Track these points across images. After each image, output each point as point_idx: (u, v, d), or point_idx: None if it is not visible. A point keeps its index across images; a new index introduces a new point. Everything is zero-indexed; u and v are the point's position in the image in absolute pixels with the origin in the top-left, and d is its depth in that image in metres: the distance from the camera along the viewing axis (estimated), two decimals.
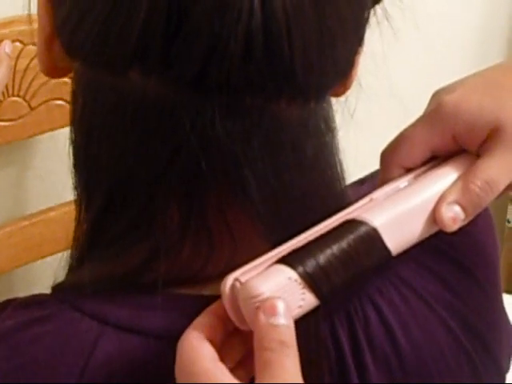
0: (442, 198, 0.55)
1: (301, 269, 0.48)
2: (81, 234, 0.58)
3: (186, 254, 0.55)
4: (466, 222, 0.56)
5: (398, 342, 0.59)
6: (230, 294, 0.48)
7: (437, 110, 0.59)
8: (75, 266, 0.59)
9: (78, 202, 0.58)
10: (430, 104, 0.61)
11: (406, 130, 0.60)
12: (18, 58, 0.96)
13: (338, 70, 0.53)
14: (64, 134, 0.56)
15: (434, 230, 0.55)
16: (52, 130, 1.04)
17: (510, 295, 1.28)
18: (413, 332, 0.60)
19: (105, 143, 0.54)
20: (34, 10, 0.56)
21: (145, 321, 0.55)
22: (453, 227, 0.55)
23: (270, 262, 0.50)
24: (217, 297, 0.52)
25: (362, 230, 0.51)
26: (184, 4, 0.46)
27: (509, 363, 0.70)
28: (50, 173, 1.17)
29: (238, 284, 0.48)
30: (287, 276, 0.48)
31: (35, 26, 0.55)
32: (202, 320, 0.51)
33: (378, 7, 0.55)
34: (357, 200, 0.57)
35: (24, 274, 1.14)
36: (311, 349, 0.54)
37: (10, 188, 1.16)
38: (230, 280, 0.48)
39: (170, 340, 0.52)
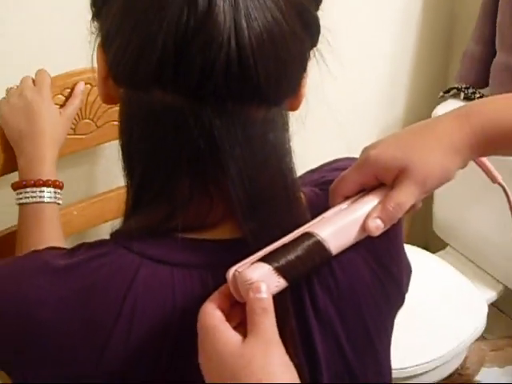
0: (368, 215, 0.63)
1: (275, 264, 0.57)
2: (128, 200, 0.64)
3: (193, 210, 0.61)
4: (384, 230, 0.63)
5: (337, 275, 0.67)
6: (233, 279, 0.56)
7: (365, 160, 0.65)
8: (124, 220, 0.65)
9: (126, 181, 0.64)
10: (361, 155, 0.67)
11: (344, 173, 0.66)
12: (88, 94, 1.07)
13: (289, 86, 0.60)
14: (118, 143, 0.63)
15: (364, 235, 0.63)
16: (110, 140, 1.14)
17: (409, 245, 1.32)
18: (345, 268, 0.67)
19: (138, 142, 0.60)
20: (96, 64, 0.63)
21: (170, 255, 0.61)
22: (376, 233, 0.62)
23: (256, 260, 0.58)
24: (214, 240, 0.62)
25: (313, 239, 0.59)
26: (185, 41, 0.53)
27: (407, 286, 0.77)
28: (109, 168, 1.30)
29: (237, 273, 0.56)
30: (267, 268, 0.57)
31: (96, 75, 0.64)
32: (215, 295, 0.57)
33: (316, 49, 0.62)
34: (314, 215, 0.64)
35: (94, 232, 1.22)
36: (282, 310, 0.58)
37: (83, 178, 1.30)
38: (232, 270, 0.56)
39: (185, 268, 0.61)
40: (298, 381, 0.54)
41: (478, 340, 1.63)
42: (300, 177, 0.66)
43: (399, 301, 0.77)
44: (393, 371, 1.34)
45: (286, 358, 0.55)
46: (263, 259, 0.58)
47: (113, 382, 0.60)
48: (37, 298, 0.59)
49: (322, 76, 0.66)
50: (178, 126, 0.56)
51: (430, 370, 1.48)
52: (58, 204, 0.98)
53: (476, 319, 1.57)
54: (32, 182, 0.95)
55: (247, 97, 0.56)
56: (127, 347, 0.59)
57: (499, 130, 0.64)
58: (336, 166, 0.77)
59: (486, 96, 1.51)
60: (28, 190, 0.95)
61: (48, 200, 0.95)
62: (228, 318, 0.56)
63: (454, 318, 1.56)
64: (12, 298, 0.61)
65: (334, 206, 0.66)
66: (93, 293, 0.59)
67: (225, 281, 0.59)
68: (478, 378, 1.84)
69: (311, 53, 0.62)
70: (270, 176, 0.60)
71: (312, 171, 0.78)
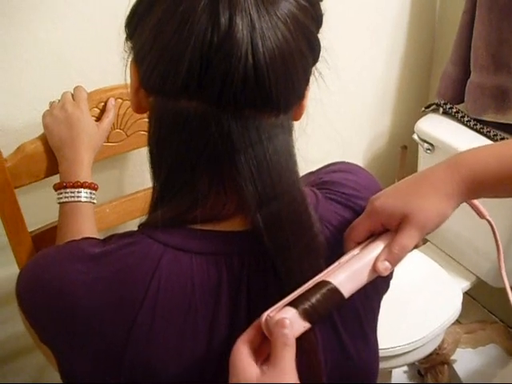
0: (377, 258, 0.63)
1: (300, 309, 0.58)
2: (153, 196, 0.65)
3: (210, 204, 0.62)
4: (392, 270, 0.64)
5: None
6: (265, 321, 0.57)
7: (371, 210, 0.66)
8: (150, 214, 0.66)
9: (152, 178, 0.65)
10: (367, 206, 0.67)
11: (355, 222, 0.67)
12: (119, 108, 1.08)
13: (295, 96, 0.61)
14: (144, 149, 0.64)
15: (375, 275, 0.64)
16: (138, 148, 1.16)
17: None
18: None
19: (165, 144, 0.61)
20: (128, 79, 0.64)
21: (189, 244, 0.62)
22: (385, 274, 0.63)
23: (283, 305, 0.58)
24: (227, 231, 0.63)
25: (329, 286, 0.60)
26: (209, 55, 0.54)
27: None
28: (137, 172, 1.33)
29: (268, 317, 0.57)
30: (294, 312, 0.57)
31: (128, 89, 0.64)
32: (248, 331, 0.58)
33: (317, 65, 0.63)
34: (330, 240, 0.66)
35: (123, 227, 1.20)
36: (304, 350, 0.59)
37: (115, 180, 1.33)
38: (264, 315, 0.57)
39: (203, 255, 0.62)
40: None
41: (453, 324, 1.65)
42: (301, 177, 0.66)
43: (385, 287, 0.78)
44: (381, 351, 1.35)
45: None
46: (290, 304, 0.59)
47: (141, 356, 0.60)
48: (75, 278, 0.60)
49: (321, 90, 0.66)
50: (200, 130, 0.57)
51: (411, 350, 1.49)
52: (93, 203, 0.99)
53: (452, 306, 1.58)
54: (71, 183, 0.96)
55: (261, 104, 0.57)
56: (152, 324, 0.60)
57: (483, 177, 0.66)
58: (332, 169, 0.78)
59: (462, 111, 1.57)
60: (68, 190, 0.96)
61: (84, 200, 0.97)
62: (257, 353, 0.57)
63: (433, 305, 1.58)
64: (53, 283, 0.61)
65: (347, 251, 0.67)
66: (123, 276, 0.60)
67: (236, 266, 0.62)
68: (453, 357, 1.85)
69: (313, 69, 0.63)
70: (278, 174, 0.60)
71: (311, 173, 0.78)
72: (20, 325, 0.66)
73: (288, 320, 0.56)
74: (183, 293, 0.61)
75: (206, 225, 0.63)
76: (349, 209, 0.71)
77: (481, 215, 0.76)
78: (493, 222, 0.76)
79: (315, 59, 0.62)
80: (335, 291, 0.61)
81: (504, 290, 0.78)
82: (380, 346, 0.81)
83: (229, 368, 0.56)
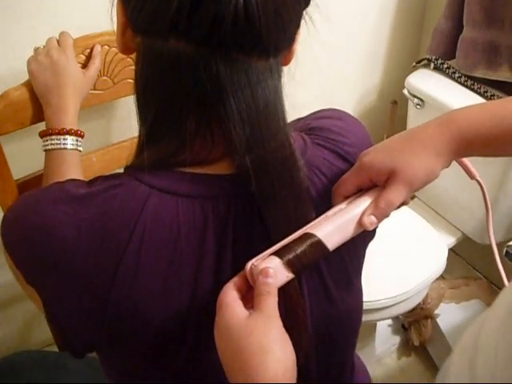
0: (364, 212, 0.65)
1: (285, 259, 0.59)
2: (140, 138, 0.64)
3: (197, 147, 0.61)
4: (378, 225, 0.65)
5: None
6: (249, 270, 0.59)
7: (359, 165, 0.67)
8: (136, 155, 0.65)
9: (139, 121, 0.64)
10: (357, 162, 0.68)
11: (343, 176, 0.68)
12: (106, 55, 1.06)
13: (286, 40, 0.60)
14: (131, 97, 0.63)
15: (361, 230, 0.65)
16: (125, 96, 1.14)
17: None
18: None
19: (153, 85, 0.60)
20: (114, 26, 0.63)
21: (176, 187, 0.62)
22: (370, 228, 0.64)
23: (268, 254, 0.60)
24: (213, 174, 0.62)
25: (314, 239, 0.61)
26: None
27: None
28: (124, 120, 1.32)
29: (253, 266, 0.59)
30: (278, 261, 0.59)
31: (115, 31, 0.62)
32: (236, 278, 0.59)
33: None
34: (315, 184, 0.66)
35: None
36: (287, 297, 0.61)
37: (102, 129, 1.32)
38: (249, 264, 0.59)
39: (188, 198, 0.62)
40: (292, 353, 0.56)
41: (438, 279, 1.66)
42: (289, 123, 0.65)
43: (371, 234, 0.79)
44: (366, 304, 1.39)
45: (283, 331, 0.56)
46: (275, 253, 0.60)
47: (126, 299, 0.60)
48: (60, 219, 0.59)
49: (312, 38, 0.65)
50: (189, 71, 0.56)
51: (397, 303, 1.51)
52: (79, 151, 0.98)
53: (437, 261, 1.59)
54: (57, 130, 0.95)
55: (250, 47, 0.56)
56: (137, 266, 0.60)
57: (474, 135, 0.65)
58: (320, 115, 0.77)
59: (453, 66, 1.56)
60: (53, 137, 0.95)
61: (70, 147, 0.96)
62: (244, 300, 0.58)
63: (418, 260, 1.59)
64: (38, 221, 0.60)
65: (335, 205, 0.67)
66: (109, 217, 0.59)
67: (222, 209, 0.61)
68: (437, 311, 1.87)
69: (304, 13, 0.62)
70: (266, 117, 0.60)
71: (299, 119, 0.77)
72: (9, 274, 0.66)
73: (272, 269, 0.57)
74: (169, 235, 0.60)
75: (192, 168, 0.63)
76: (336, 155, 0.71)
77: (471, 175, 0.76)
78: (482, 183, 0.77)
79: (307, 1, 0.61)
80: (320, 244, 0.61)
81: (489, 246, 0.80)
82: (365, 299, 0.82)
83: (216, 310, 0.57)
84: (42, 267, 0.61)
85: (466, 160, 0.75)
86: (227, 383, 0.56)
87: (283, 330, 0.56)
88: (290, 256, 0.59)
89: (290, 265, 0.59)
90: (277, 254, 0.60)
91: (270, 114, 0.60)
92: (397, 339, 1.94)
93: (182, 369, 0.67)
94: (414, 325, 1.87)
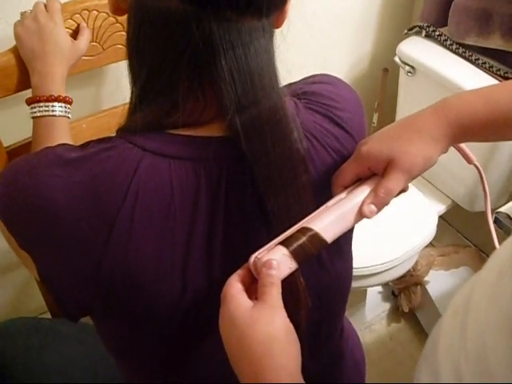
0: (364, 201, 0.65)
1: (289, 249, 0.60)
2: (132, 100, 0.64)
3: (189, 108, 0.60)
4: (378, 213, 0.65)
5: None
6: (253, 262, 0.59)
7: (357, 155, 0.67)
8: (128, 117, 0.64)
9: (131, 83, 0.63)
10: (355, 150, 0.68)
11: (342, 166, 0.68)
12: (95, 20, 1.04)
13: (278, 1, 0.60)
14: (121, 64, 0.66)
15: (361, 219, 0.65)
16: (115, 62, 1.12)
17: None
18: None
19: (145, 45, 0.59)
20: None
21: (168, 149, 0.61)
22: (371, 217, 0.65)
23: (272, 246, 0.61)
24: (206, 137, 0.62)
25: (311, 232, 0.62)
26: None
27: None
28: (114, 87, 1.30)
29: (256, 259, 0.59)
30: (282, 253, 0.60)
31: (104, 1, 0.64)
32: (241, 271, 0.60)
33: None
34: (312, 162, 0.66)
35: None
36: (289, 287, 0.61)
37: (91, 95, 1.30)
38: (252, 257, 0.60)
39: (181, 160, 0.61)
40: (297, 342, 0.56)
41: (427, 247, 1.68)
42: (282, 87, 0.64)
43: None
44: (357, 269, 1.40)
45: (288, 321, 0.56)
46: (280, 243, 0.60)
47: (120, 261, 0.60)
48: (52, 183, 0.59)
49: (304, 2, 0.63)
50: (180, 30, 0.56)
51: (387, 270, 1.52)
52: (68, 118, 0.96)
53: (427, 228, 1.60)
54: (44, 97, 0.93)
55: (243, 6, 0.55)
56: (131, 229, 0.59)
57: (470, 120, 0.65)
58: (312, 80, 0.77)
59: (445, 34, 1.54)
60: (41, 104, 0.93)
61: (59, 114, 0.94)
62: (248, 292, 0.58)
63: (409, 226, 1.59)
64: (30, 185, 0.59)
65: (335, 195, 0.67)
66: (102, 180, 0.59)
67: (215, 171, 0.61)
68: (426, 278, 1.89)
69: None
70: (258, 78, 0.59)
71: (291, 84, 0.76)
72: (2, 242, 0.65)
73: (275, 261, 0.58)
74: (162, 197, 0.60)
75: (184, 130, 0.62)
76: (328, 119, 0.71)
77: (468, 160, 0.76)
78: (480, 167, 0.76)
79: None
80: (319, 237, 0.62)
81: (478, 214, 0.79)
82: (356, 265, 0.83)
83: (220, 299, 0.57)
84: (34, 231, 0.60)
85: (463, 145, 0.75)
86: (220, 349, 0.57)
87: (287, 320, 0.56)
88: (292, 248, 0.60)
89: (292, 256, 0.60)
90: (279, 246, 0.60)
91: (262, 74, 0.60)
92: (387, 306, 1.96)
93: (173, 337, 0.68)
94: (404, 291, 1.88)
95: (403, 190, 0.67)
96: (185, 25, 0.55)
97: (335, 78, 0.78)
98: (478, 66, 1.55)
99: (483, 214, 0.84)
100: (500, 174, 1.62)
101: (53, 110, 0.94)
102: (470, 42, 1.55)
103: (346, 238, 0.77)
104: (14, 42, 0.98)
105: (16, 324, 1.09)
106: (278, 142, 0.61)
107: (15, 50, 0.98)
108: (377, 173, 0.66)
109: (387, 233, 1.57)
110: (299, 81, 0.78)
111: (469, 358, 0.53)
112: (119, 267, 0.60)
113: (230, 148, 0.62)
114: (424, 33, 1.65)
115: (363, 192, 0.66)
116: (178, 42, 0.56)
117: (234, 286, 0.57)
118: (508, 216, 1.23)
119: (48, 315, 1.35)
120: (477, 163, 0.76)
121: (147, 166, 0.60)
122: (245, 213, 0.63)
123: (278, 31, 0.64)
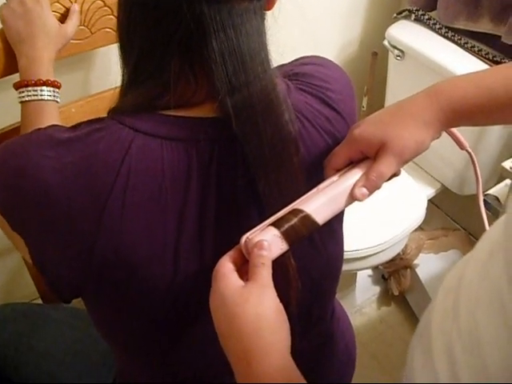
0: (355, 184, 0.65)
1: (280, 230, 0.60)
2: (123, 81, 0.64)
3: (180, 89, 0.61)
4: (369, 196, 0.65)
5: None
6: (244, 243, 0.59)
7: (350, 138, 0.67)
8: (120, 99, 0.65)
9: (122, 65, 0.64)
10: (348, 134, 0.68)
11: (335, 149, 0.68)
12: (83, 2, 1.03)
13: None
14: (110, 48, 0.65)
15: (353, 202, 0.66)
16: (104, 46, 1.11)
17: None
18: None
19: (136, 26, 0.60)
20: None
21: (159, 129, 0.61)
22: (362, 199, 0.65)
23: (263, 227, 0.61)
24: (197, 117, 0.62)
25: (303, 213, 0.62)
26: None
27: None
28: (102, 71, 1.28)
29: (247, 239, 0.60)
30: (272, 234, 0.60)
31: None
32: (232, 251, 0.60)
33: None
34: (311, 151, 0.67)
35: None
36: (280, 267, 0.61)
37: (80, 79, 1.29)
38: (244, 237, 0.60)
39: (173, 141, 0.61)
40: (286, 322, 0.57)
41: (417, 230, 1.69)
42: (273, 69, 0.65)
43: None
44: (348, 253, 1.40)
45: (278, 301, 0.57)
46: (271, 224, 0.60)
47: (112, 242, 0.60)
48: (44, 163, 0.58)
49: None
50: (172, 11, 0.56)
51: (377, 253, 1.53)
52: (57, 102, 0.95)
53: (416, 212, 1.60)
54: (32, 81, 0.92)
55: None
56: (123, 209, 0.59)
57: (462, 105, 0.66)
58: (303, 62, 0.77)
59: (434, 18, 1.53)
60: (30, 88, 0.92)
61: (48, 98, 0.93)
62: (239, 272, 0.58)
63: (398, 210, 1.60)
64: (22, 165, 0.59)
65: (327, 177, 0.67)
66: (94, 160, 0.59)
67: (206, 152, 0.61)
68: (416, 261, 1.90)
69: None
70: (249, 59, 0.59)
71: (282, 65, 0.76)
72: None
73: (266, 242, 0.58)
74: (153, 178, 0.60)
75: (175, 111, 0.62)
76: (319, 100, 0.70)
77: (461, 146, 0.76)
78: (473, 154, 0.77)
79: None
80: (310, 218, 0.62)
81: (467, 198, 0.79)
82: (346, 249, 0.83)
83: (212, 279, 0.57)
84: (26, 212, 0.60)
85: (455, 130, 0.75)
86: (211, 331, 0.57)
87: (277, 300, 0.56)
88: (284, 229, 0.60)
89: (283, 237, 0.60)
90: (270, 227, 0.60)
91: (253, 56, 0.60)
92: (377, 289, 1.97)
93: (165, 319, 0.67)
94: (394, 275, 1.89)
95: (395, 174, 0.67)
96: (175, 6, 0.55)
97: (326, 59, 0.78)
98: (466, 49, 1.55)
99: (472, 197, 0.86)
100: (488, 157, 1.62)
101: (41, 95, 0.92)
102: (459, 25, 1.55)
103: (337, 220, 0.77)
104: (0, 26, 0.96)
105: (6, 310, 1.09)
106: (269, 123, 0.61)
107: (2, 34, 0.96)
108: (369, 156, 0.66)
109: (376, 216, 1.57)
110: (290, 62, 0.78)
111: (461, 333, 0.54)
112: (111, 248, 0.60)
113: (221, 129, 0.61)
114: (413, 17, 1.65)
115: (355, 175, 0.66)
116: (169, 24, 0.56)
117: (225, 266, 0.57)
118: (496, 198, 1.23)
119: (39, 302, 1.35)
120: (469, 149, 0.76)
121: (139, 146, 0.60)
122: (236, 194, 0.63)
123: (269, 13, 0.64)
